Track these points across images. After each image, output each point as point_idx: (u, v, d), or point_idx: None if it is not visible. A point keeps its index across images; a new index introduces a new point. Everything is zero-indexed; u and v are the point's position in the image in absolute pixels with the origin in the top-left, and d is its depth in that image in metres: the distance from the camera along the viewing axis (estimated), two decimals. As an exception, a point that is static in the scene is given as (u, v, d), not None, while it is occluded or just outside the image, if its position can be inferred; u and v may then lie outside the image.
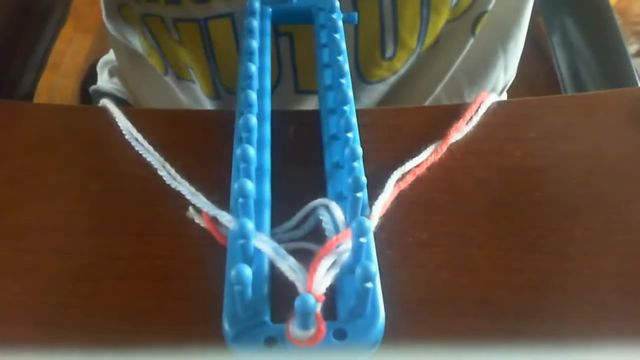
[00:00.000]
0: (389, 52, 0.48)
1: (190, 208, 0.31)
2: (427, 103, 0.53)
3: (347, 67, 0.34)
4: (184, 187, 0.32)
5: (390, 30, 0.46)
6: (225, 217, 0.29)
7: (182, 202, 0.31)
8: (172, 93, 0.55)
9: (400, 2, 0.45)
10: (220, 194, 0.30)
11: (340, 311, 0.26)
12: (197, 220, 0.30)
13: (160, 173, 0.33)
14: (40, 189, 0.34)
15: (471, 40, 0.49)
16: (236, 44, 0.47)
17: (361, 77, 0.49)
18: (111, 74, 0.63)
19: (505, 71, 0.54)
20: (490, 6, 0.48)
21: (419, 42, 0.48)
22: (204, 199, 0.31)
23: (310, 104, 0.50)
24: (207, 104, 0.53)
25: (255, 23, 0.37)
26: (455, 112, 0.36)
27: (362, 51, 0.47)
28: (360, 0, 0.44)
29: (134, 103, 0.61)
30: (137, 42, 0.52)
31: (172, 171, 0.33)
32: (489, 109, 0.37)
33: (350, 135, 0.31)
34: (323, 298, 0.24)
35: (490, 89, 0.54)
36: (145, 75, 0.56)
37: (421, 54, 0.49)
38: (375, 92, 0.50)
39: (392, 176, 0.32)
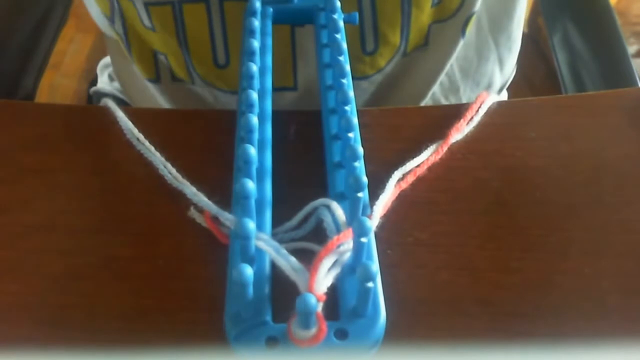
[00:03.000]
0: (369, 47, 0.47)
1: (192, 208, 0.31)
2: (421, 104, 0.52)
3: (348, 68, 0.34)
4: (185, 187, 0.32)
5: (370, 23, 0.46)
6: (226, 217, 0.29)
7: (184, 202, 0.31)
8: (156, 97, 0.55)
9: None
10: (222, 194, 0.30)
11: (342, 311, 0.26)
12: (199, 220, 0.31)
13: (161, 173, 0.33)
14: (41, 188, 0.34)
15: (461, 42, 0.49)
16: (209, 33, 0.46)
17: None
18: (111, 77, 0.63)
19: (501, 66, 0.54)
20: (477, 7, 0.48)
21: (403, 39, 0.48)
22: (205, 198, 0.31)
23: (286, 101, 0.50)
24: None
25: (257, 23, 0.37)
26: (455, 112, 0.37)
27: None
28: None
29: (133, 105, 0.61)
30: (106, 25, 0.51)
31: (174, 171, 0.33)
32: (489, 109, 0.37)
33: (351, 135, 0.31)
34: (324, 298, 0.25)
35: (486, 84, 0.54)
36: (137, 77, 0.56)
37: (408, 54, 0.49)
38: (359, 90, 0.50)
39: (392, 176, 0.32)
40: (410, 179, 0.33)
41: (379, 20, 0.46)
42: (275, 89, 0.42)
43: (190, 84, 0.50)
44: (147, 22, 0.47)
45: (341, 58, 0.35)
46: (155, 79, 0.51)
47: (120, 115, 0.36)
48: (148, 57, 0.50)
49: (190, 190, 0.32)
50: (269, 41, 0.38)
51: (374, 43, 0.47)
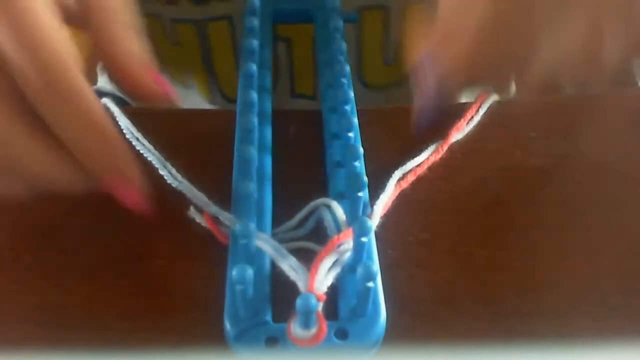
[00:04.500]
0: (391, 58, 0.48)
1: (192, 207, 0.31)
2: None
3: (347, 67, 0.34)
4: (185, 187, 0.32)
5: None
6: (226, 217, 0.29)
7: (183, 202, 0.31)
8: None
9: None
10: (222, 194, 0.30)
11: (342, 311, 0.26)
12: (198, 219, 0.31)
13: (161, 172, 0.33)
14: (40, 188, 0.34)
15: None
16: (233, 49, 0.47)
17: (362, 80, 0.49)
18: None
19: None
20: None
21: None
22: (205, 198, 0.31)
23: (305, 108, 0.50)
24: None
25: (256, 22, 0.37)
26: (455, 112, 0.37)
27: (363, 52, 0.47)
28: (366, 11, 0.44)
29: (133, 104, 0.61)
30: None
31: (173, 170, 0.33)
32: (489, 108, 0.37)
33: (351, 134, 0.31)
34: (324, 297, 0.25)
35: None
36: None
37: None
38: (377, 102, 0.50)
39: (393, 176, 0.32)
40: (411, 178, 0.33)
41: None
42: (295, 96, 0.42)
43: (209, 102, 0.51)
44: (172, 38, 0.47)
45: (341, 57, 0.35)
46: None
47: (120, 114, 0.36)
48: None
49: (189, 189, 0.32)
50: (269, 40, 0.38)
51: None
